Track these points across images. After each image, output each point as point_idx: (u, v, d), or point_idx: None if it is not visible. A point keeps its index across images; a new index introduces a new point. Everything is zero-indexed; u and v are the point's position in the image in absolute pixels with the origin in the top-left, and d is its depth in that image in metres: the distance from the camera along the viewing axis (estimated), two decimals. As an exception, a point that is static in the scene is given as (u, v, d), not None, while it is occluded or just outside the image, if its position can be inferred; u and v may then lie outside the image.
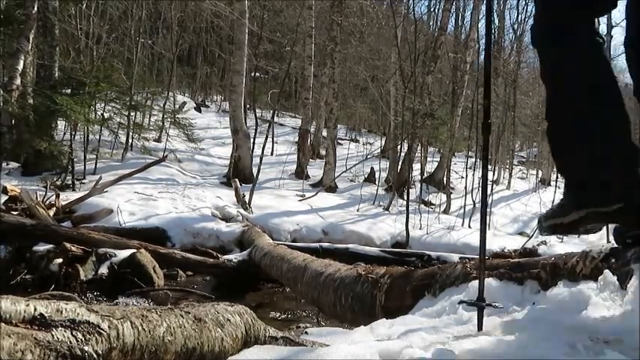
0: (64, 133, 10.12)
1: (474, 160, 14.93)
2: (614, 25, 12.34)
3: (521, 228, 11.82)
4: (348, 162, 13.54)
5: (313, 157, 14.87)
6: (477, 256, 2.74)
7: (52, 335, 1.02)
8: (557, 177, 16.93)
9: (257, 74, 17.94)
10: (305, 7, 12.92)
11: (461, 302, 1.47)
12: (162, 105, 13.76)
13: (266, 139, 11.08)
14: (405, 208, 8.84)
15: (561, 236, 9.28)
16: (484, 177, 1.54)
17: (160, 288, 5.09)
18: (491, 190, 12.69)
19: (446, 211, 11.76)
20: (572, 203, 1.43)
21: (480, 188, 1.67)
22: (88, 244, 5.32)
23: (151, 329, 1.26)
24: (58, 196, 7.25)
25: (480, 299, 1.39)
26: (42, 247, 5.24)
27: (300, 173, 12.79)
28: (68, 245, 5.11)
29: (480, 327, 1.35)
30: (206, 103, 21.91)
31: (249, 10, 11.70)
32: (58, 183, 8.88)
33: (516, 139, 21.09)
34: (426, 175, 13.92)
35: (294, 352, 1.39)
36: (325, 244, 6.71)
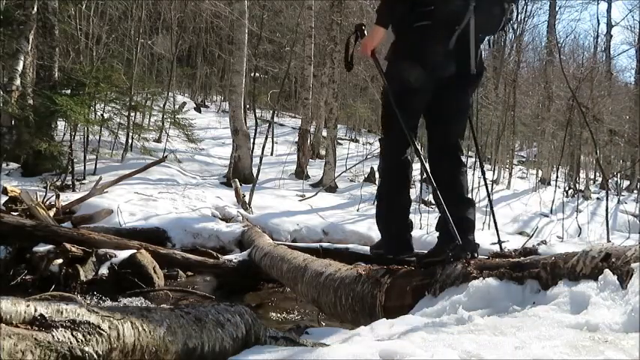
0: (64, 134, 10.11)
1: (473, 159, 14.91)
2: (613, 25, 12.34)
3: (521, 227, 11.79)
4: (348, 162, 13.53)
5: (313, 157, 14.86)
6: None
7: (53, 336, 1.02)
8: (557, 176, 16.94)
9: (257, 74, 17.94)
10: (305, 7, 12.92)
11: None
12: (162, 105, 13.75)
13: (266, 139, 11.07)
14: (405, 208, 8.81)
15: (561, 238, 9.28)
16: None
17: (160, 288, 5.09)
18: (491, 189, 12.70)
19: (446, 211, 11.73)
20: (442, 249, 2.40)
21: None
22: (88, 244, 5.30)
23: (151, 329, 1.26)
24: (58, 196, 7.24)
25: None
26: (42, 248, 5.22)
27: (300, 173, 12.79)
28: (68, 246, 5.09)
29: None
30: (206, 103, 21.89)
31: (249, 11, 11.71)
32: (58, 184, 8.87)
33: (516, 139, 21.07)
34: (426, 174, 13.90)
35: (295, 352, 1.39)
36: (325, 244, 6.68)
